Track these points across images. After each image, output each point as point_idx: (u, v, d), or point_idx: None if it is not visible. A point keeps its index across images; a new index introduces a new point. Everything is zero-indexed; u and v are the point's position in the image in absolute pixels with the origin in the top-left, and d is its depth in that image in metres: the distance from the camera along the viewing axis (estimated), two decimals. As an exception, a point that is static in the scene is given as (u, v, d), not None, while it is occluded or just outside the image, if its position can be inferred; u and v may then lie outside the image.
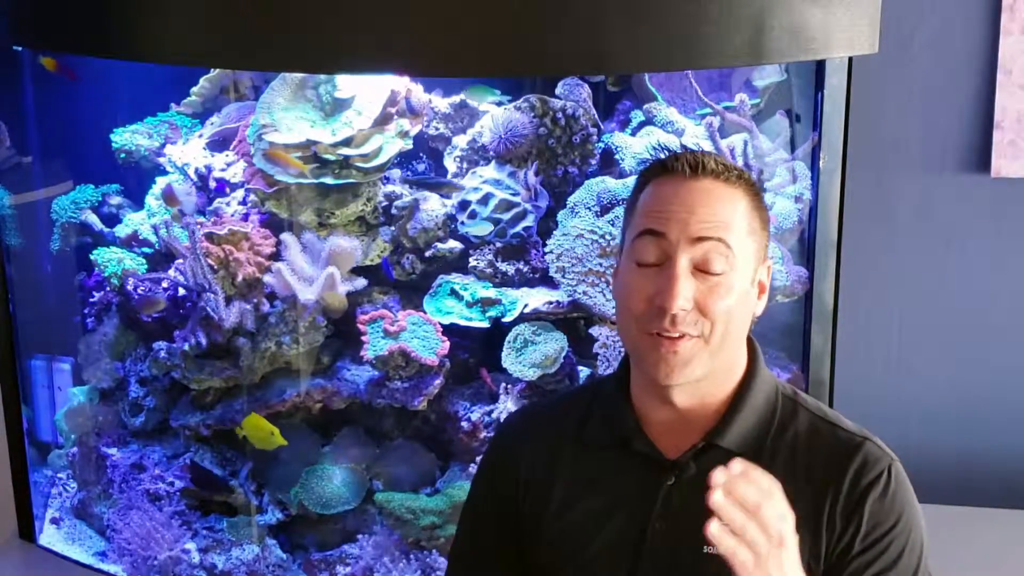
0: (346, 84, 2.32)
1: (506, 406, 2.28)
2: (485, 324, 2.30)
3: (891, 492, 1.26)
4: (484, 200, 2.34)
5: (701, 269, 1.24)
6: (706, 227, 1.23)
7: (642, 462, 1.31)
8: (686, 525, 1.25)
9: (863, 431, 1.30)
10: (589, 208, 2.33)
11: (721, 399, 1.30)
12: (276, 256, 2.35)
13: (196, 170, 2.49)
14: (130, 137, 2.58)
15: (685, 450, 1.29)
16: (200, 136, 2.54)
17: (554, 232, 2.31)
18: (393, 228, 2.40)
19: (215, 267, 2.29)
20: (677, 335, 1.23)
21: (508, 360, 2.28)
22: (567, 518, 1.34)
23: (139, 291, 2.45)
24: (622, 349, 2.25)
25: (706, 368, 1.26)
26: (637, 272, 1.26)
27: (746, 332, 1.30)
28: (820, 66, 2.15)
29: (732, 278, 1.24)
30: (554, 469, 1.36)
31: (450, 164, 2.45)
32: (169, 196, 2.45)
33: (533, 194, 2.31)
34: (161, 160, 2.57)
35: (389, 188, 2.40)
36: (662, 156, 1.33)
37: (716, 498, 1.09)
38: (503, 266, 2.35)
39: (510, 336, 2.29)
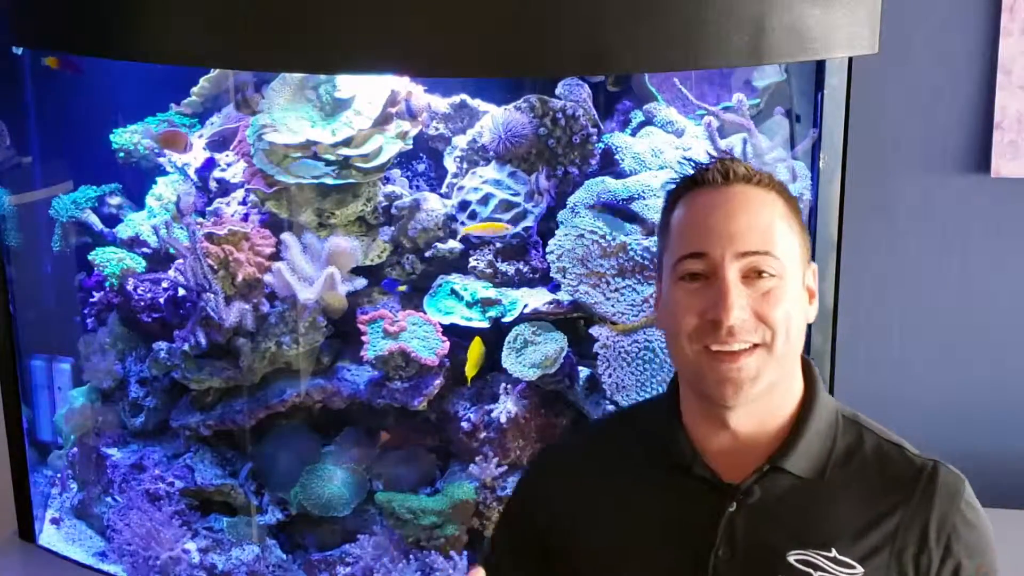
0: (346, 84, 2.32)
1: (506, 406, 2.28)
2: (485, 324, 2.30)
3: (978, 519, 1.23)
4: (484, 200, 2.34)
5: (749, 276, 1.19)
6: (749, 239, 1.19)
7: (699, 488, 1.24)
8: (753, 553, 1.21)
9: (927, 454, 1.26)
10: (589, 208, 2.33)
11: (780, 423, 1.24)
12: (276, 256, 2.35)
13: (196, 170, 2.49)
14: (130, 137, 2.58)
15: (746, 475, 1.23)
16: (200, 136, 2.54)
17: (555, 232, 2.32)
18: (393, 228, 2.40)
19: (215, 267, 2.29)
20: (737, 348, 1.17)
21: (508, 360, 2.28)
22: (615, 550, 1.27)
23: (139, 291, 2.45)
24: (623, 351, 2.26)
25: (773, 378, 1.20)
26: (683, 289, 1.21)
27: (803, 342, 1.24)
28: (820, 66, 2.15)
29: (784, 283, 1.19)
30: (597, 499, 1.30)
31: (450, 164, 2.45)
32: (170, 138, 2.42)
33: (545, 197, 2.31)
34: (161, 160, 2.57)
35: (389, 188, 2.41)
36: (689, 171, 1.27)
37: None
38: (503, 266, 2.35)
39: (510, 336, 2.29)
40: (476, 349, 2.26)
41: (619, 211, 2.30)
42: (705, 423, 1.25)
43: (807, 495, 1.22)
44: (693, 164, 1.27)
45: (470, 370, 2.26)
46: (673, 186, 1.28)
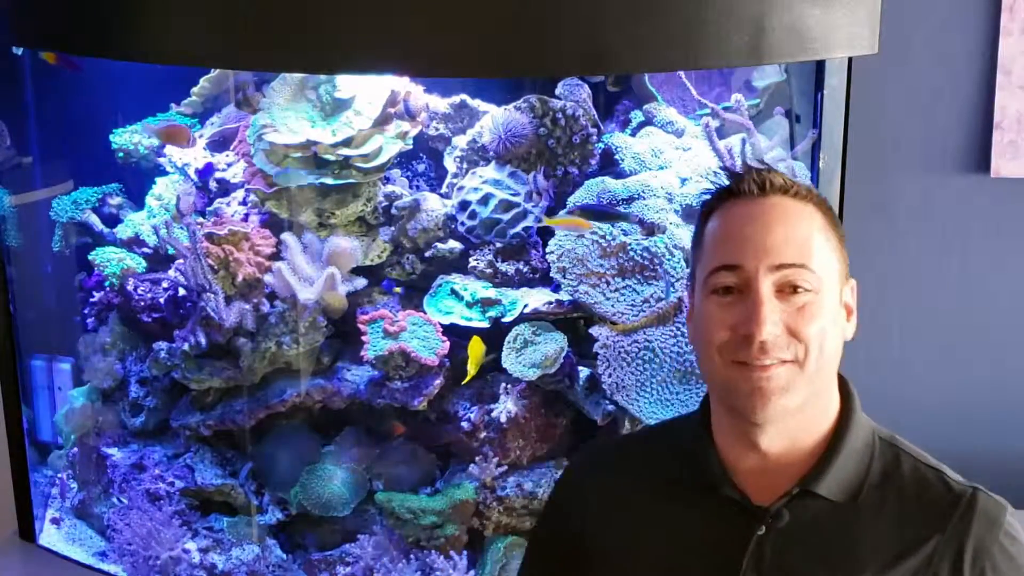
0: (346, 84, 2.32)
1: (506, 406, 2.28)
2: (485, 324, 2.30)
3: (1020, 552, 1.17)
4: (484, 200, 2.34)
5: (784, 291, 1.16)
6: (785, 252, 1.15)
7: (728, 509, 1.21)
8: None
9: (968, 481, 1.22)
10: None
11: (813, 443, 1.21)
12: (276, 256, 2.35)
13: (196, 170, 2.49)
14: (129, 137, 2.58)
15: (777, 497, 1.19)
16: (200, 136, 2.54)
17: (555, 232, 2.31)
18: (393, 228, 2.40)
19: (215, 267, 2.29)
20: (768, 363, 1.14)
21: (508, 360, 2.28)
22: (637, 565, 1.24)
23: (139, 291, 2.45)
24: (623, 351, 2.26)
25: (803, 396, 1.16)
26: (715, 303, 1.18)
27: (838, 360, 1.22)
28: (820, 66, 2.15)
29: (820, 298, 1.16)
30: (627, 507, 1.27)
31: (450, 164, 2.45)
32: (172, 132, 2.40)
33: (544, 197, 2.31)
34: (161, 160, 2.57)
35: (389, 188, 2.41)
36: (725, 182, 1.23)
37: None
38: (503, 266, 2.35)
39: (510, 336, 2.29)
40: (477, 348, 2.25)
41: (602, 213, 2.29)
42: (735, 442, 1.22)
43: (839, 520, 1.18)
44: (728, 175, 1.24)
45: (472, 368, 2.26)
46: (708, 197, 1.25)
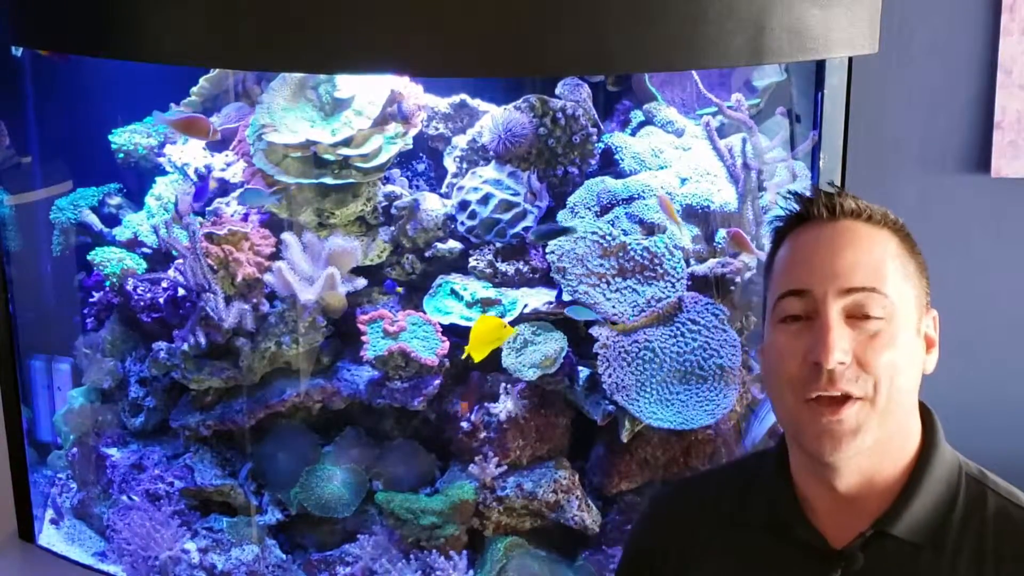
0: (346, 84, 2.32)
1: (506, 406, 2.28)
2: (485, 324, 2.30)
3: None
4: (484, 200, 2.34)
5: (855, 317, 1.11)
6: (855, 275, 1.11)
7: (803, 550, 1.17)
8: None
9: None
10: (589, 208, 2.33)
11: (892, 479, 1.15)
12: (276, 256, 2.35)
13: (196, 170, 2.49)
14: (129, 137, 2.57)
15: (852, 538, 1.14)
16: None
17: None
18: (393, 228, 2.40)
19: (215, 267, 2.29)
20: (838, 394, 1.09)
21: (508, 360, 2.28)
22: None
23: (139, 291, 2.45)
24: (624, 351, 2.26)
25: (875, 435, 1.11)
26: (784, 331, 1.14)
27: (916, 394, 1.17)
28: (820, 66, 2.15)
29: (893, 327, 1.11)
30: (706, 550, 1.24)
31: (450, 164, 2.45)
32: (190, 124, 2.37)
33: (537, 197, 2.31)
34: (160, 160, 2.57)
35: (389, 188, 2.41)
36: (795, 206, 1.19)
37: None
38: (503, 266, 2.35)
39: (510, 336, 2.29)
40: (485, 329, 2.21)
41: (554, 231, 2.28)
42: (809, 478, 1.18)
43: (917, 562, 1.13)
44: (798, 199, 1.19)
45: (478, 352, 2.22)
46: (779, 224, 1.21)
